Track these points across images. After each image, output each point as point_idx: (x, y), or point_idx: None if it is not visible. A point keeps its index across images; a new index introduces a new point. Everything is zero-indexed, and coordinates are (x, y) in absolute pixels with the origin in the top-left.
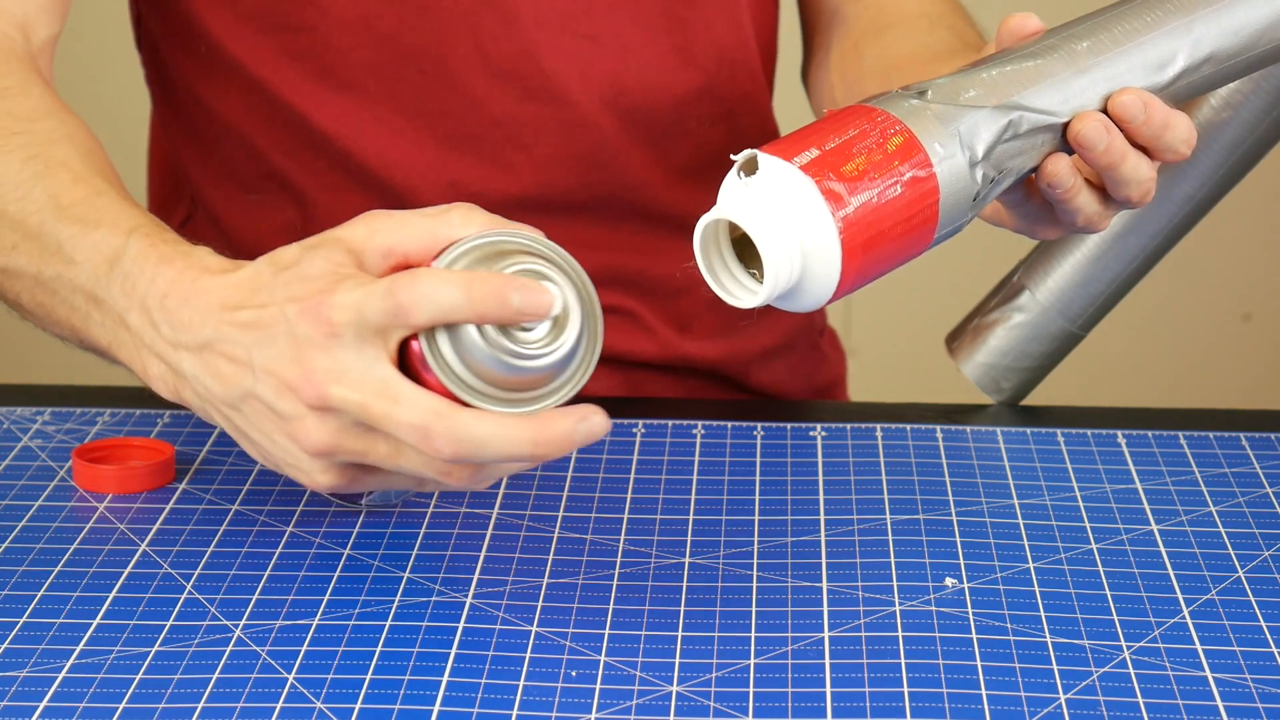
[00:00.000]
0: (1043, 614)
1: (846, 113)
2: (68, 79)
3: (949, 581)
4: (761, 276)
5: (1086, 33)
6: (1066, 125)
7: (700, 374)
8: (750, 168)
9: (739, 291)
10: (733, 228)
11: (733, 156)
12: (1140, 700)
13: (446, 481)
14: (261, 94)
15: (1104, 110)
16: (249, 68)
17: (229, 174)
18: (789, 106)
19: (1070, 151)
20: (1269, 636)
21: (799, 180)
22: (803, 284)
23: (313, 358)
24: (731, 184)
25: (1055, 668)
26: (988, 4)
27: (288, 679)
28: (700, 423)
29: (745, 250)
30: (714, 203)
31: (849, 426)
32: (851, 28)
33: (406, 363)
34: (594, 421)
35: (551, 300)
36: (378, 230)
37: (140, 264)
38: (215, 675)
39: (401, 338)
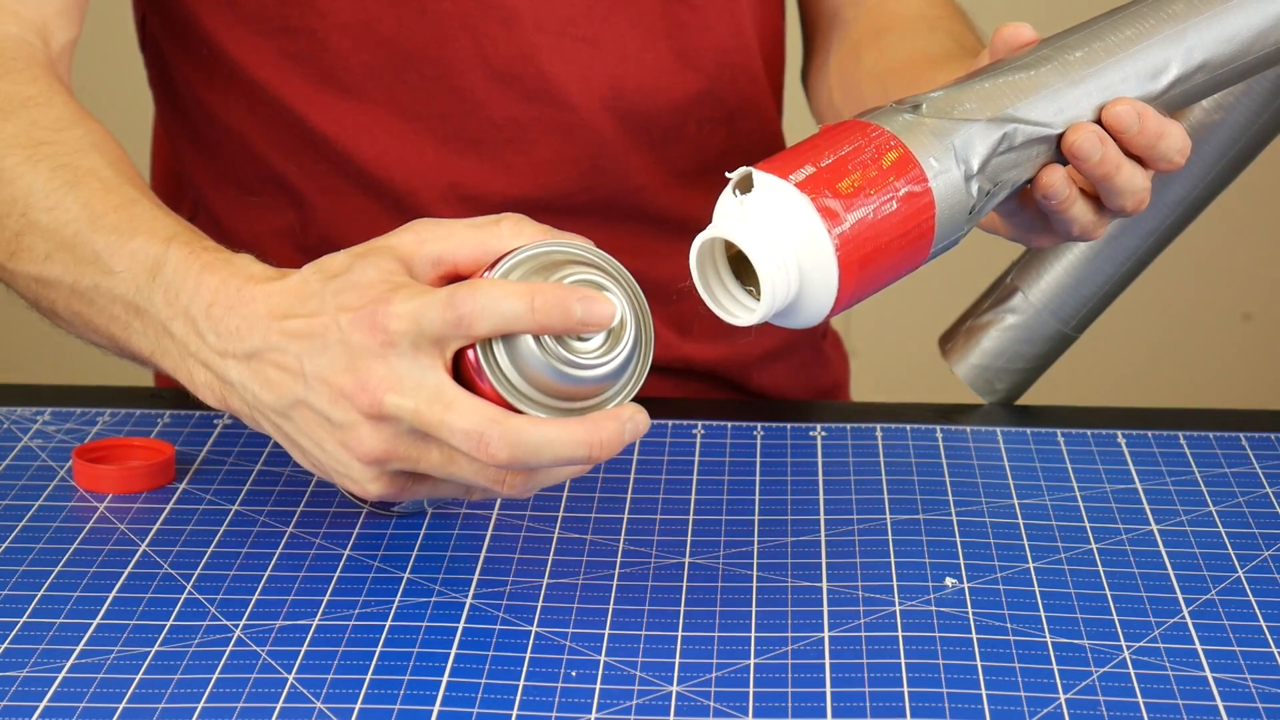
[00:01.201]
0: (1043, 614)
1: (841, 128)
2: (72, 80)
3: (949, 581)
4: (758, 294)
5: (1080, 42)
6: (1061, 136)
7: (701, 376)
8: (745, 185)
9: (736, 309)
10: (729, 245)
11: (728, 174)
12: (1140, 700)
13: (498, 489)
14: (262, 96)
15: (1098, 120)
16: (249, 70)
17: (229, 176)
18: (801, 110)
19: (1065, 162)
20: (1269, 636)
21: (795, 197)
22: (800, 301)
23: (367, 366)
24: (727, 202)
25: (1055, 668)
26: (985, 7)
27: (288, 679)
28: (700, 423)
29: (742, 268)
30: (714, 206)
31: (849, 426)
32: (850, 30)
33: (460, 372)
34: (639, 420)
35: (614, 310)
36: (427, 239)
37: (183, 272)
38: (215, 675)
39: (458, 347)
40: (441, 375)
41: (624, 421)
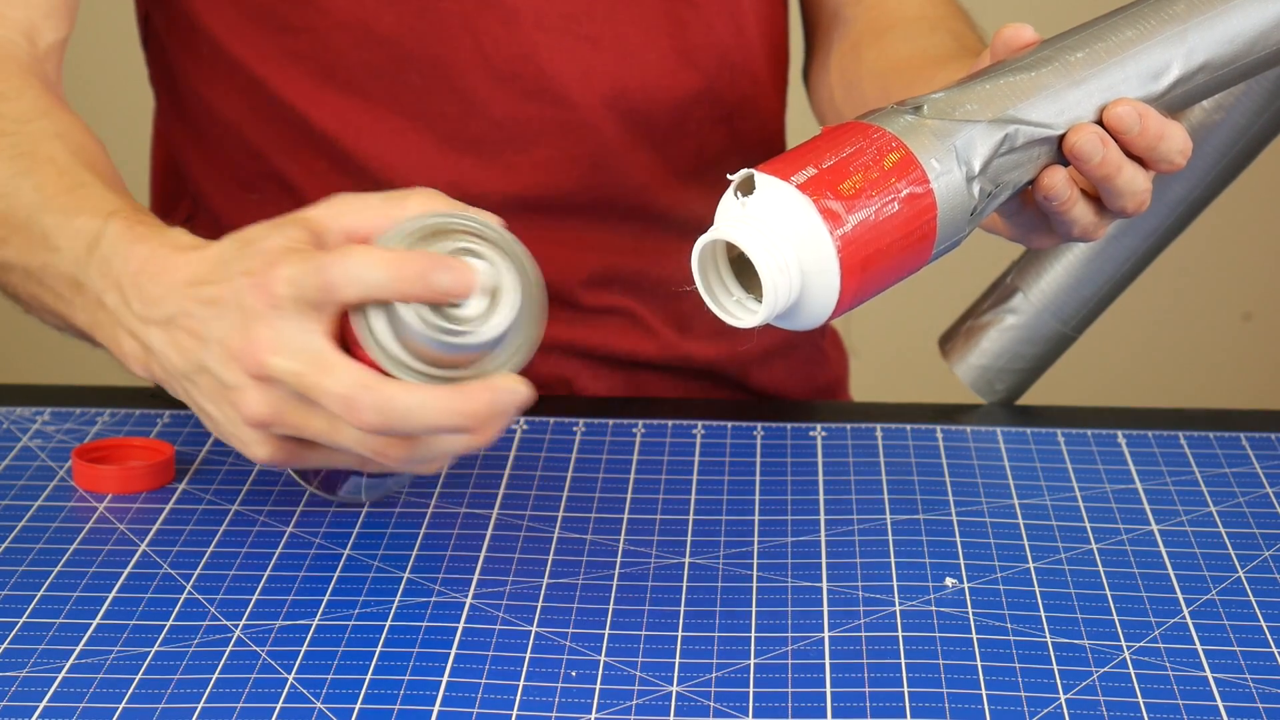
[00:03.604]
0: (1043, 614)
1: (842, 130)
2: (72, 78)
3: (949, 581)
4: (760, 296)
5: (1081, 43)
6: (1062, 137)
7: (700, 374)
8: (747, 187)
9: (738, 311)
10: (730, 247)
11: (729, 176)
12: (1140, 700)
13: (383, 460)
14: (262, 93)
15: (1099, 121)
16: (250, 67)
17: (230, 173)
18: (806, 109)
19: (1066, 163)
20: (1269, 636)
21: (796, 199)
22: (802, 303)
23: (256, 329)
24: (728, 204)
25: (1055, 668)
26: (986, 7)
27: (288, 679)
28: (700, 423)
29: (744, 270)
30: (715, 204)
31: (849, 426)
32: (851, 29)
33: (346, 338)
34: (518, 391)
35: (475, 279)
36: (342, 212)
37: (116, 244)
38: (215, 675)
39: (335, 312)
40: (324, 340)
41: (498, 391)
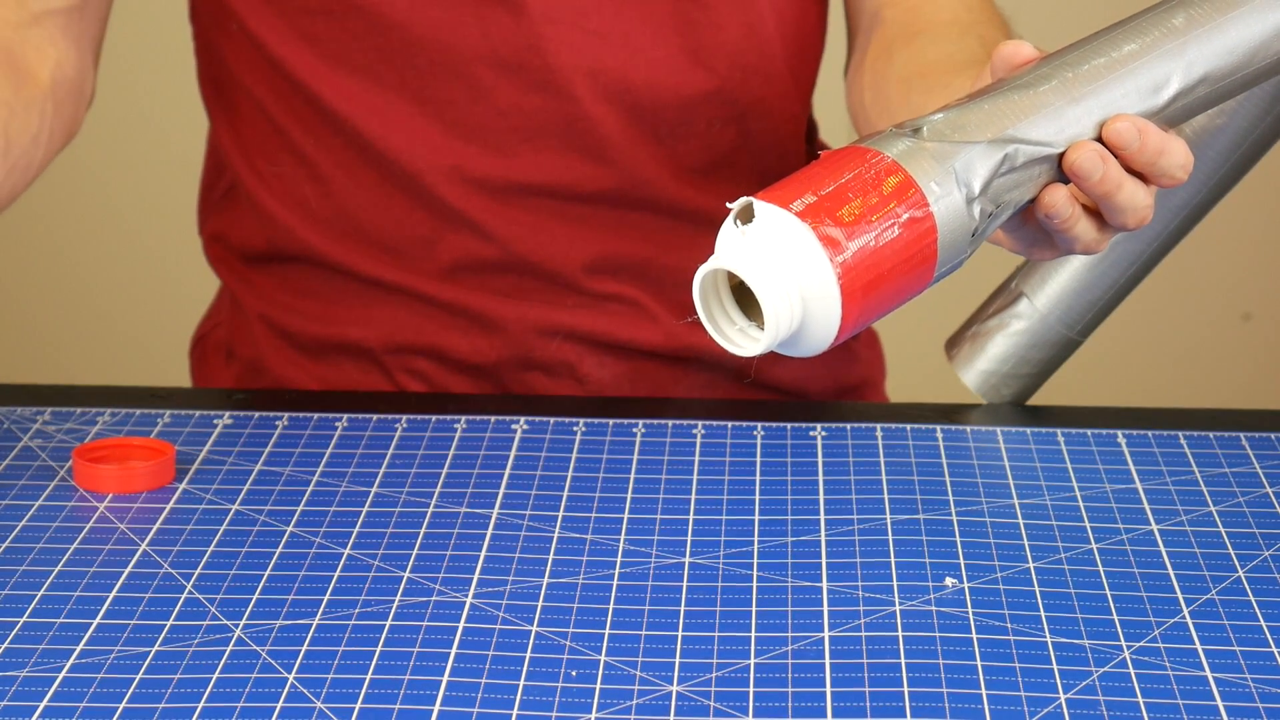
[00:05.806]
0: (1043, 614)
1: (841, 155)
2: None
3: (949, 581)
4: (763, 324)
5: (1079, 59)
6: (1062, 155)
7: (710, 366)
8: (746, 216)
9: (740, 339)
10: (732, 275)
11: (729, 205)
12: (1140, 700)
13: None
14: (280, 72)
15: (1099, 138)
16: (269, 46)
17: (255, 146)
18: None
19: (1067, 181)
20: (1269, 636)
21: (796, 227)
22: (804, 330)
23: None
24: (728, 232)
25: (1055, 668)
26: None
27: (288, 679)
28: (700, 423)
29: (745, 298)
30: (723, 200)
31: (849, 426)
32: (885, 31)
33: None
34: None
35: None
36: None
37: None
38: (215, 675)
39: None
40: None
41: None
